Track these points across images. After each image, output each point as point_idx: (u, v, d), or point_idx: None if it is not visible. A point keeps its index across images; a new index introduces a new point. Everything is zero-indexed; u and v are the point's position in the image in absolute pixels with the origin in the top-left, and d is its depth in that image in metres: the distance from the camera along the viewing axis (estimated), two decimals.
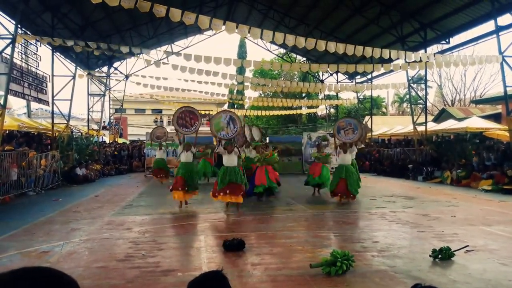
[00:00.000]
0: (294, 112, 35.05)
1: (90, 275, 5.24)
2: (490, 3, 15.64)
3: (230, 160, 10.18)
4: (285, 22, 23.64)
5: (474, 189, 14.54)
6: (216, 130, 10.58)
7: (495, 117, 23.85)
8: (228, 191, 9.89)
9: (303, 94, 36.13)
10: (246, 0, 23.14)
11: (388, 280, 4.98)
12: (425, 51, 18.85)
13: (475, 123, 20.97)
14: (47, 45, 17.24)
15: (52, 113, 19.03)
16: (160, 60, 20.35)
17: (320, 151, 13.67)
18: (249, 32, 12.78)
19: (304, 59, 32.22)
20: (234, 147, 10.50)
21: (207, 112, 35.60)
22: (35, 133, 19.54)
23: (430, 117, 28.54)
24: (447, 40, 20.28)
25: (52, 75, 18.55)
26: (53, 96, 18.78)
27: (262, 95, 33.36)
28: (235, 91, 28.02)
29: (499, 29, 15.96)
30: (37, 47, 17.12)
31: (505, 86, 16.56)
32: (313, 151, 15.81)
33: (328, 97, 33.26)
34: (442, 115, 30.02)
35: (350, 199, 11.22)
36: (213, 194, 10.32)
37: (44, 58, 17.86)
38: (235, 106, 36.18)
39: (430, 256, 5.74)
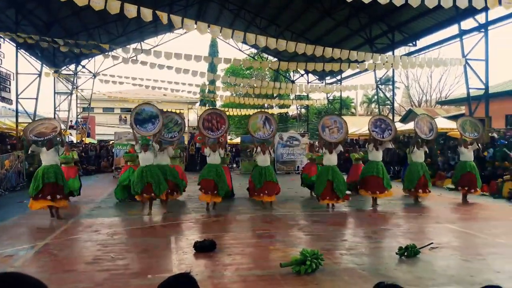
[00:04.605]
0: (265, 112, 35.05)
1: (57, 279, 5.12)
2: (454, 8, 16.16)
3: (264, 160, 10.61)
4: (256, 22, 23.70)
5: (439, 188, 14.94)
6: (253, 130, 11.11)
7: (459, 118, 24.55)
8: (266, 191, 10.29)
9: (274, 94, 36.34)
10: (217, 0, 23.06)
11: (356, 278, 5.10)
12: (393, 53, 19.30)
13: (440, 123, 21.47)
14: (10, 42, 16.69)
15: (17, 112, 18.48)
16: (130, 58, 20.00)
17: (314, 152, 13.44)
18: (220, 32, 12.76)
19: (276, 59, 32.39)
20: (267, 148, 10.73)
21: (177, 111, 35.28)
22: None
23: (397, 118, 29.23)
24: (414, 43, 20.85)
25: (17, 73, 17.98)
26: (17, 95, 18.24)
27: (234, 95, 33.42)
28: (206, 90, 27.88)
29: (462, 33, 16.54)
30: (0, 44, 16.54)
31: (468, 88, 17.20)
32: (307, 152, 15.71)
33: (299, 98, 33.52)
34: (409, 116, 30.73)
35: (340, 201, 10.49)
36: (251, 195, 10.74)
37: (7, 55, 17.29)
38: (207, 105, 36.01)
39: (396, 253, 5.88)
